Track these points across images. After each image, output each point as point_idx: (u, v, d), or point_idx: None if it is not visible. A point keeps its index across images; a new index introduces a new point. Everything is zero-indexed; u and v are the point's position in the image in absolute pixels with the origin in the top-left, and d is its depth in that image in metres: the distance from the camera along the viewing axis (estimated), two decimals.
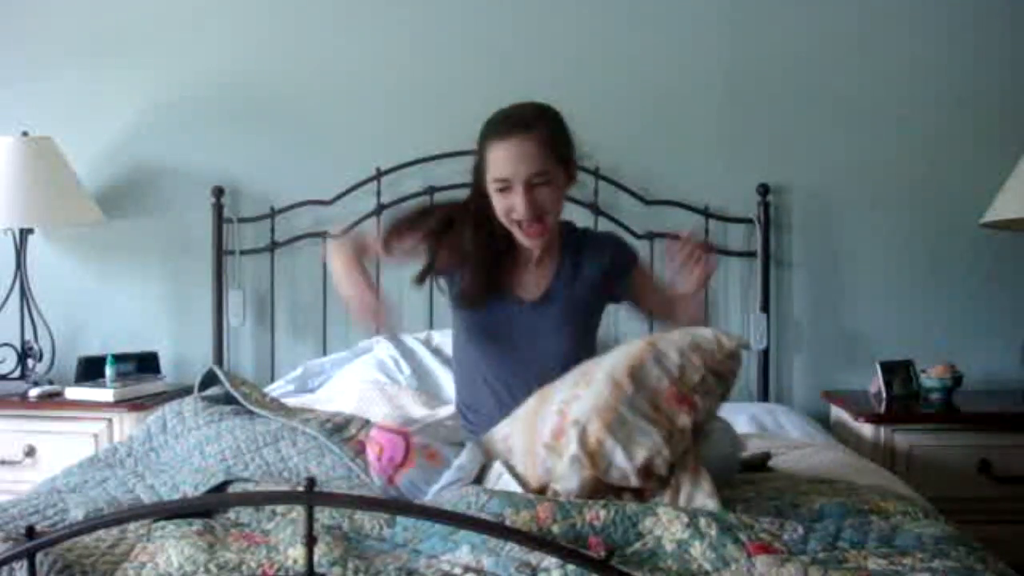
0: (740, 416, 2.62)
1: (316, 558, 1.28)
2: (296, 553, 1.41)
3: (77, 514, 1.66)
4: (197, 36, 3.31)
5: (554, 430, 1.65)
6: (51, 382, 3.07)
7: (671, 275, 2.02)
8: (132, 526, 1.51)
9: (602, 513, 1.48)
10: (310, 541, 1.18)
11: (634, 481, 1.59)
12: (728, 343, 1.70)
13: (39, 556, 1.29)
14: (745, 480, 1.84)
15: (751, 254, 3.16)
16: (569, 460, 1.60)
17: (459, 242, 2.04)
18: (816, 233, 3.20)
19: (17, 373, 3.14)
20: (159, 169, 3.33)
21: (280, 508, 1.62)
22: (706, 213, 3.15)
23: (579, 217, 2.58)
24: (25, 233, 3.17)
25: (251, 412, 2.17)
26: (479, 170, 2.05)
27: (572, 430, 1.62)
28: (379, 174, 3.20)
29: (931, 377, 2.87)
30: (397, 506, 1.35)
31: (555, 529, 1.46)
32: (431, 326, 3.17)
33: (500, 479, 1.69)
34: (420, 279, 2.10)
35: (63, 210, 3.12)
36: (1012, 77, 3.13)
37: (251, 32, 3.32)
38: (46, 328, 3.19)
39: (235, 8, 3.31)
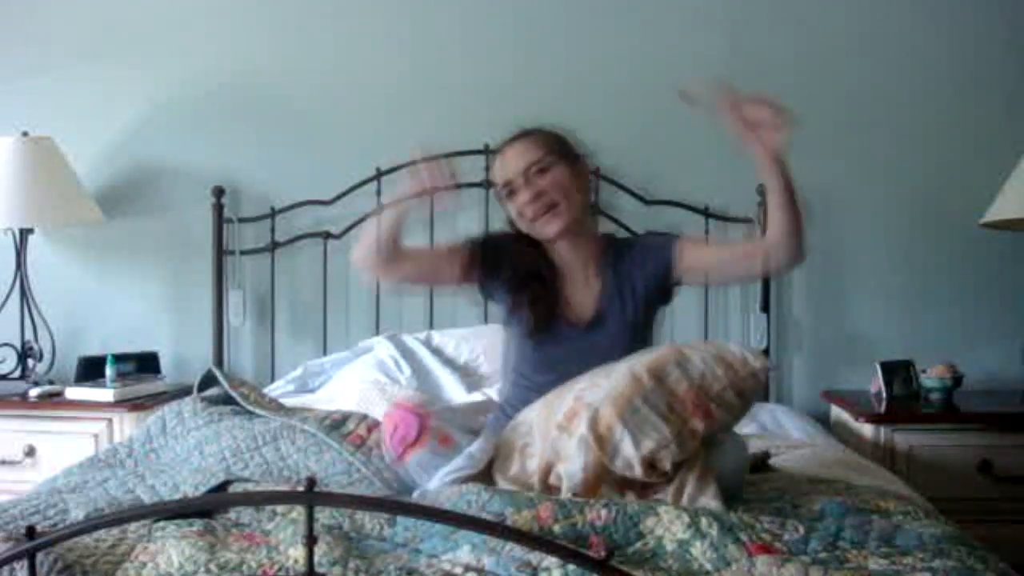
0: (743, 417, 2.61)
1: (316, 558, 1.28)
2: (297, 553, 1.41)
3: (77, 514, 1.66)
4: (197, 36, 3.31)
5: (568, 412, 1.67)
6: (51, 382, 3.07)
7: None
8: (132, 526, 1.51)
9: (603, 513, 1.48)
10: (310, 541, 1.18)
11: (638, 471, 1.60)
12: (754, 362, 1.70)
13: (39, 556, 1.29)
14: (745, 480, 1.83)
15: None
16: (577, 440, 1.62)
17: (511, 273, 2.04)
18: (816, 233, 3.18)
19: (17, 373, 3.14)
20: (159, 169, 3.33)
21: (280, 508, 1.62)
22: (706, 213, 3.15)
23: None
24: (25, 233, 3.17)
25: (250, 412, 2.17)
26: (501, 200, 2.08)
27: (584, 413, 1.64)
28: (379, 174, 3.20)
29: (931, 377, 2.87)
30: (397, 506, 1.35)
31: (556, 529, 1.46)
32: (431, 326, 3.17)
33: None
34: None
35: (63, 210, 3.12)
36: (1012, 77, 3.13)
37: (251, 32, 3.31)
38: (46, 328, 3.19)
39: (235, 8, 3.31)
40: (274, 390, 2.94)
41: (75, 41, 3.34)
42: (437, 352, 2.98)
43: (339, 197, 3.21)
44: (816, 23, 3.18)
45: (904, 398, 2.87)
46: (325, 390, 2.95)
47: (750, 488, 1.77)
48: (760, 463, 2.04)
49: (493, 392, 2.54)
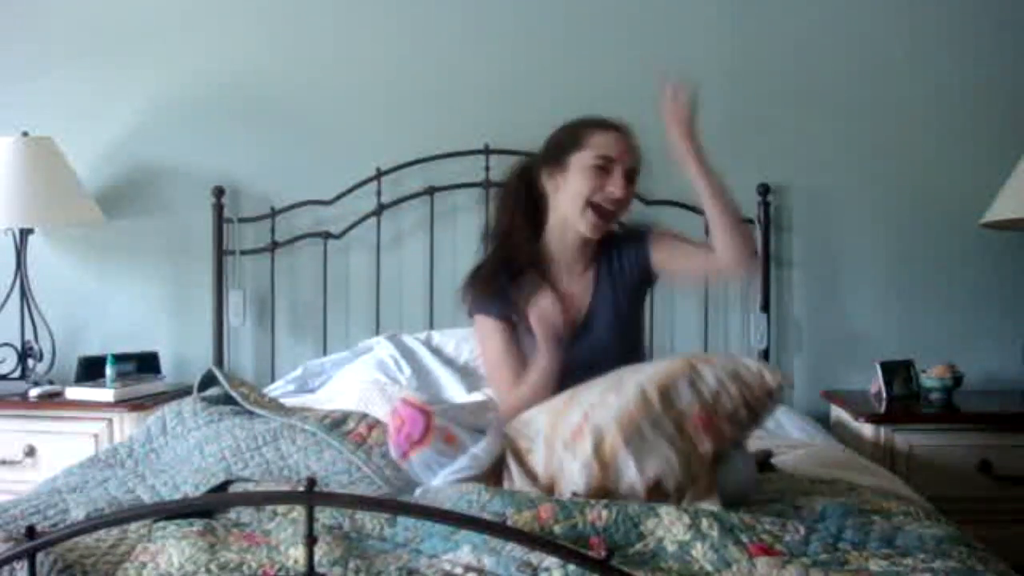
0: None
1: (317, 558, 1.28)
2: (297, 553, 1.41)
3: (78, 514, 1.66)
4: (197, 36, 3.31)
5: (574, 430, 1.65)
6: (51, 382, 3.07)
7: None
8: (133, 526, 1.51)
9: (604, 513, 1.48)
10: (310, 541, 1.18)
11: (641, 496, 1.59)
12: (771, 380, 1.66)
13: (40, 556, 1.29)
14: None
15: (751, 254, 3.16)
16: (581, 465, 1.61)
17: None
18: (816, 233, 3.21)
19: (17, 373, 3.14)
20: (159, 169, 3.33)
21: (281, 508, 1.61)
22: None
23: None
24: (25, 233, 3.17)
25: (250, 412, 2.17)
26: (555, 155, 2.04)
27: (590, 435, 1.62)
28: (379, 174, 3.20)
29: (931, 377, 2.87)
30: (398, 506, 1.35)
31: (556, 529, 1.46)
32: (431, 326, 3.17)
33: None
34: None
35: (63, 210, 3.12)
36: (1012, 77, 3.13)
37: (251, 32, 3.32)
38: (46, 328, 3.19)
39: (235, 8, 3.31)
40: (274, 390, 2.94)
41: (75, 41, 3.34)
42: (437, 352, 2.98)
43: (339, 197, 3.21)
44: (816, 23, 3.18)
45: (904, 398, 2.87)
46: (325, 390, 2.95)
47: None
48: (762, 463, 2.03)
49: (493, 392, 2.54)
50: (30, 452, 2.90)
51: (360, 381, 2.86)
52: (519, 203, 2.09)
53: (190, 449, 2.05)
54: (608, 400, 1.66)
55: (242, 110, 3.30)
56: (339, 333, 3.27)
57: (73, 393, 2.95)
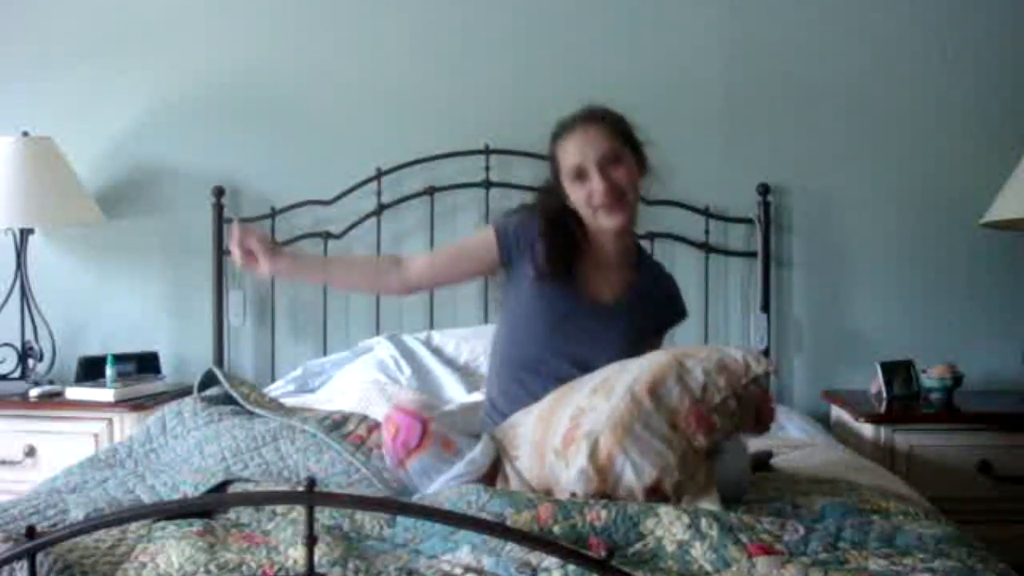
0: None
1: (316, 558, 1.28)
2: (296, 553, 1.41)
3: (77, 514, 1.66)
4: (197, 36, 3.31)
5: (565, 437, 1.64)
6: (51, 382, 3.07)
7: None
8: (132, 526, 1.51)
9: (603, 513, 1.48)
10: (310, 541, 1.18)
11: (641, 499, 1.59)
12: (756, 367, 1.66)
13: (39, 556, 1.29)
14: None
15: (751, 254, 3.16)
16: (577, 472, 1.60)
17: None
18: (816, 233, 3.20)
19: (17, 373, 3.14)
20: (159, 169, 3.33)
21: (280, 508, 1.61)
22: (706, 213, 3.15)
23: None
24: (25, 233, 3.17)
25: (250, 412, 2.17)
26: (555, 175, 2.05)
27: (584, 442, 1.61)
28: (379, 174, 3.20)
29: (931, 377, 2.87)
30: (397, 506, 1.35)
31: (556, 529, 1.45)
32: (431, 326, 3.17)
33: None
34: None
35: (63, 210, 3.12)
36: (1012, 77, 3.13)
37: (251, 32, 3.31)
38: (46, 328, 3.19)
39: (235, 8, 3.31)
40: (274, 390, 2.94)
41: (75, 41, 3.34)
42: (437, 352, 2.98)
43: (339, 197, 3.21)
44: (816, 23, 3.18)
45: (904, 398, 2.87)
46: (325, 390, 2.95)
47: (750, 488, 1.77)
48: (763, 463, 2.04)
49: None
50: (30, 452, 2.90)
51: (360, 381, 2.86)
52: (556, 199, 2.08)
53: (190, 449, 2.05)
54: (597, 404, 1.65)
55: (242, 110, 3.30)
56: (339, 333, 3.27)
57: (73, 393, 2.95)
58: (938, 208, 3.16)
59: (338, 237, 3.22)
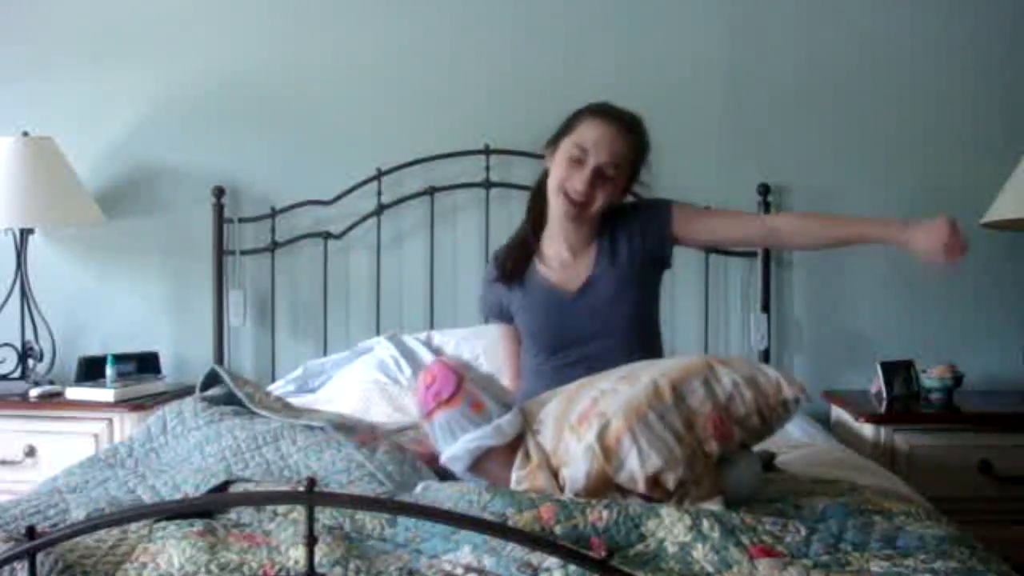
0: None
1: (317, 558, 1.28)
2: (297, 553, 1.41)
3: (78, 514, 1.66)
4: (197, 36, 3.31)
5: (581, 414, 1.66)
6: (51, 382, 3.07)
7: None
8: (133, 526, 1.51)
9: (605, 514, 1.48)
10: (311, 541, 1.18)
11: (641, 487, 1.58)
12: (788, 391, 1.66)
13: (40, 556, 1.29)
14: None
15: (751, 254, 3.16)
16: (584, 448, 1.61)
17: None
18: None
19: (17, 373, 3.14)
20: (159, 169, 3.33)
21: (281, 508, 1.61)
22: None
23: None
24: (25, 233, 3.17)
25: (251, 412, 2.16)
26: (559, 134, 2.09)
27: (596, 420, 1.62)
28: (379, 174, 3.20)
29: (932, 377, 2.87)
30: (398, 506, 1.35)
31: (557, 529, 1.45)
32: (431, 326, 3.17)
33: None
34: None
35: (63, 210, 3.12)
36: (1012, 77, 3.13)
37: (251, 32, 3.31)
38: (46, 328, 3.19)
39: (235, 8, 3.31)
40: (274, 390, 2.93)
41: (75, 41, 3.34)
42: (437, 352, 2.98)
43: (339, 197, 3.21)
44: (816, 23, 3.18)
45: (904, 398, 2.87)
46: (325, 390, 2.95)
47: None
48: (765, 464, 2.03)
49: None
50: (30, 452, 2.90)
51: (360, 381, 2.86)
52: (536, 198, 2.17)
53: (190, 449, 2.05)
54: (620, 389, 1.66)
55: (242, 110, 3.30)
56: (339, 333, 3.27)
57: (73, 393, 2.95)
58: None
59: (338, 237, 3.22)
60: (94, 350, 3.23)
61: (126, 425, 2.87)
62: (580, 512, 1.49)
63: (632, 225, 2.11)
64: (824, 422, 2.97)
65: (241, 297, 3.28)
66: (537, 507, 1.49)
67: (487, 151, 3.16)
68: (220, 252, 3.25)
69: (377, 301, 3.23)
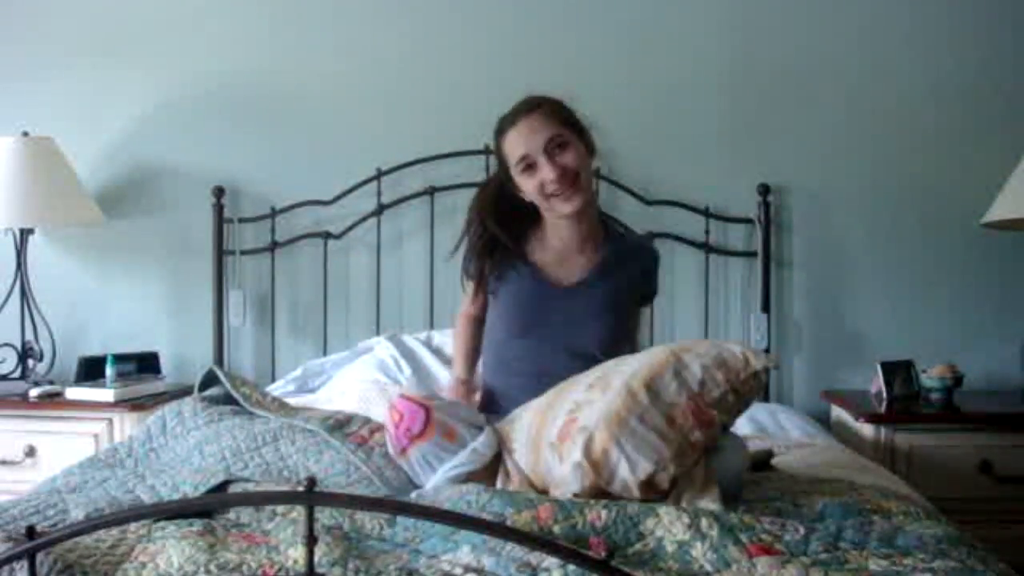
0: (740, 416, 2.61)
1: (316, 558, 1.28)
2: (296, 553, 1.41)
3: (77, 514, 1.66)
4: (197, 36, 3.31)
5: (560, 431, 1.64)
6: (51, 382, 3.07)
7: None
8: (132, 526, 1.51)
9: (603, 513, 1.48)
10: (310, 541, 1.18)
11: (636, 493, 1.58)
12: (755, 362, 1.65)
13: (39, 556, 1.29)
14: (746, 480, 1.83)
15: (751, 254, 3.16)
16: (572, 467, 1.59)
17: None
18: (816, 233, 3.20)
19: (17, 373, 3.14)
20: (159, 169, 3.33)
21: (280, 508, 1.61)
22: (707, 213, 3.15)
23: None
24: (25, 233, 3.17)
25: (250, 412, 2.16)
26: (504, 170, 2.10)
27: (579, 436, 1.60)
28: (379, 174, 3.20)
29: (931, 377, 2.87)
30: (397, 506, 1.35)
31: (556, 529, 1.45)
32: (431, 326, 3.17)
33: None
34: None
35: (63, 210, 3.12)
36: (1012, 77, 3.13)
37: (251, 32, 3.31)
38: (46, 328, 3.19)
39: (235, 8, 3.31)
40: (274, 390, 2.94)
41: (75, 41, 3.34)
42: (437, 352, 2.98)
43: (339, 197, 3.21)
44: (816, 23, 3.18)
45: (904, 398, 2.87)
46: (325, 390, 2.95)
47: (751, 488, 1.77)
48: (763, 462, 2.03)
49: None
50: (30, 452, 2.90)
51: (360, 381, 2.86)
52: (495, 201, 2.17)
53: (190, 449, 2.05)
54: (593, 399, 1.65)
55: (242, 110, 3.30)
56: (339, 333, 3.27)
57: (73, 393, 2.95)
58: (938, 208, 3.16)
59: (338, 237, 3.22)
60: (94, 350, 3.23)
61: (126, 425, 2.87)
62: (578, 512, 1.49)
63: (633, 261, 2.15)
64: (824, 422, 2.97)
65: (241, 297, 3.28)
66: (536, 507, 1.49)
67: (487, 151, 3.16)
68: (220, 252, 3.26)
69: (377, 301, 3.23)
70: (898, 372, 2.90)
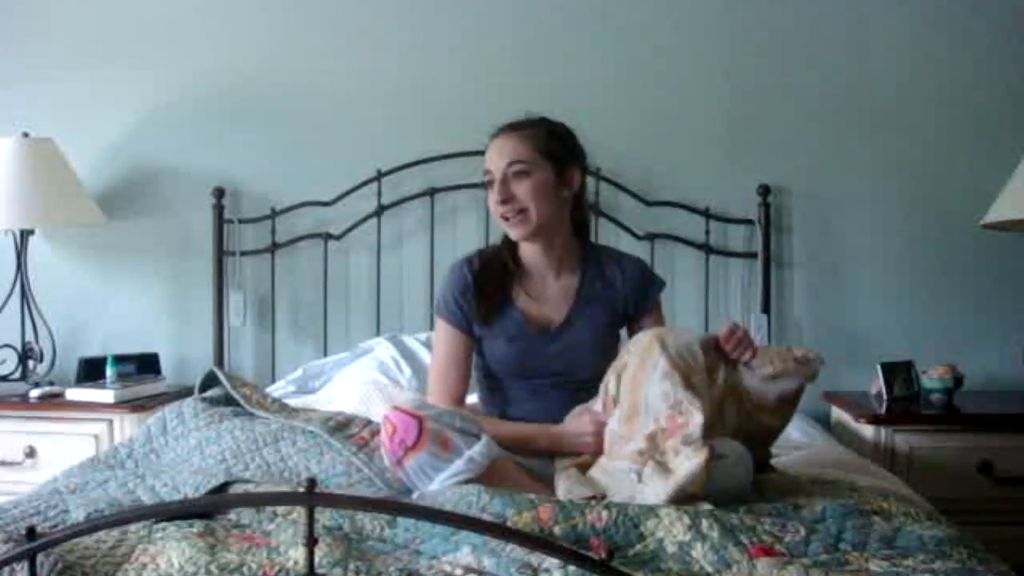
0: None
1: (317, 559, 1.28)
2: (297, 554, 1.41)
3: (78, 515, 1.66)
4: (197, 36, 3.31)
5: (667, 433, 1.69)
6: (52, 383, 3.07)
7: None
8: (133, 527, 1.51)
9: (604, 514, 1.48)
10: (311, 542, 1.18)
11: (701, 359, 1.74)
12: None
13: (40, 557, 1.29)
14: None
15: (751, 255, 3.16)
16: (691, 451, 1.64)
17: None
18: (816, 233, 3.21)
19: (18, 374, 3.14)
20: (159, 170, 3.33)
21: (281, 509, 1.61)
22: (707, 214, 3.15)
23: None
24: (26, 234, 3.17)
25: (251, 413, 2.16)
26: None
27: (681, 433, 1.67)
28: (379, 175, 3.20)
29: (932, 378, 2.87)
30: (398, 507, 1.35)
31: (556, 530, 1.46)
32: (431, 327, 3.16)
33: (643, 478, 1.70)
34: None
35: (63, 211, 3.12)
36: (1012, 77, 3.13)
37: (251, 32, 3.32)
38: (47, 329, 3.19)
39: (235, 8, 3.31)
40: (274, 391, 2.94)
41: (75, 41, 3.34)
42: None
43: (340, 198, 3.21)
44: (816, 23, 3.18)
45: (904, 399, 2.87)
46: (325, 391, 2.95)
47: (751, 489, 1.77)
48: (764, 464, 2.03)
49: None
50: (30, 453, 2.90)
51: (360, 382, 2.86)
52: None
53: (190, 450, 2.05)
54: (635, 430, 1.73)
55: (242, 110, 3.30)
56: (339, 334, 3.27)
57: (73, 394, 2.95)
58: (938, 209, 3.16)
59: (338, 238, 3.22)
60: (94, 351, 3.23)
61: (126, 426, 2.87)
62: (579, 512, 1.49)
63: (623, 274, 2.12)
64: (824, 423, 2.97)
65: (241, 298, 3.28)
66: (536, 508, 1.49)
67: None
68: (220, 253, 3.26)
69: (377, 302, 3.23)
70: (898, 373, 2.90)
